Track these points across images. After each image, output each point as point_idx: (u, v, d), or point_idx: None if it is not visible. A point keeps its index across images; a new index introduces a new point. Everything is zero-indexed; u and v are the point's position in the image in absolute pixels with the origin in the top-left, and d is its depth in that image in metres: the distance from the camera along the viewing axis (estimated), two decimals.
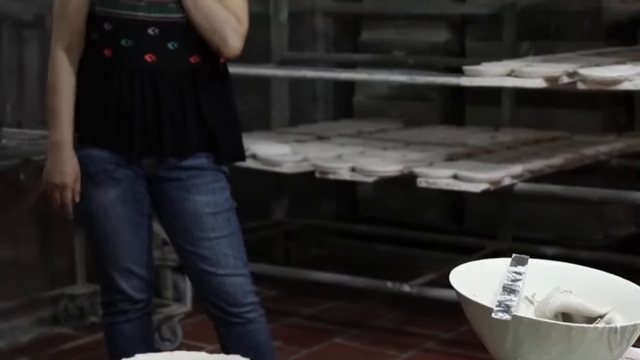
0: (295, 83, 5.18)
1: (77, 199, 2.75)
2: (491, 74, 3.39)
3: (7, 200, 3.91)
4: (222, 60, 2.80)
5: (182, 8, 2.70)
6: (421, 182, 3.67)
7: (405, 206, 5.17)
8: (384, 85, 5.21)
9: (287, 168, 3.98)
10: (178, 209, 2.76)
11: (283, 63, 5.01)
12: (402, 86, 5.07)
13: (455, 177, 3.64)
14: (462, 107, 5.18)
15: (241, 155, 2.86)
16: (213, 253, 2.74)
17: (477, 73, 3.42)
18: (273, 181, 4.92)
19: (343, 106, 5.46)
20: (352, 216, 5.45)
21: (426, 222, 5.18)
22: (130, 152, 2.72)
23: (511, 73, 3.38)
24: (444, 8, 5.17)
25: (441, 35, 5.18)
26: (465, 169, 3.69)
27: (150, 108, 2.68)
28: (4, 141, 3.68)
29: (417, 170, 3.72)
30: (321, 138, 4.52)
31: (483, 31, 5.09)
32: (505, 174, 3.67)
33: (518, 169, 3.76)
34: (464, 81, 3.47)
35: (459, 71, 4.73)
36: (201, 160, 2.76)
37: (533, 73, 3.31)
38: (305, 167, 3.98)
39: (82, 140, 2.76)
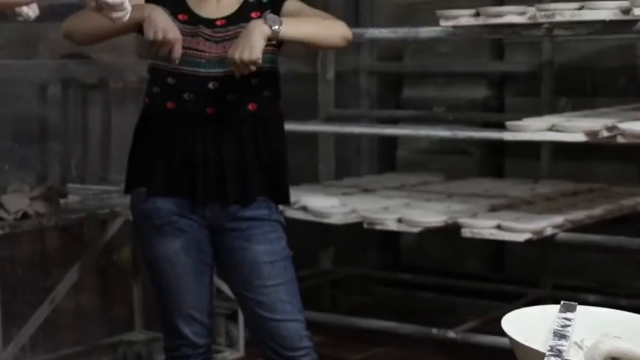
0: (341, 138, 5.24)
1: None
2: (533, 129, 3.42)
3: (71, 252, 3.99)
4: (279, 103, 2.87)
5: None
6: (465, 232, 3.70)
7: (446, 255, 5.18)
8: (426, 140, 5.25)
9: (336, 219, 4.02)
10: (238, 258, 2.81)
11: (330, 119, 5.08)
12: (443, 140, 5.11)
13: (498, 227, 3.66)
14: (501, 160, 5.20)
15: (288, 199, 2.92)
16: (270, 300, 2.78)
17: (520, 128, 3.45)
18: (320, 232, 4.96)
19: (386, 159, 5.50)
20: (395, 265, 5.47)
21: (467, 270, 5.18)
22: (194, 200, 2.78)
23: (552, 128, 3.40)
24: (483, 66, 5.21)
25: (480, 92, 5.22)
26: (507, 219, 3.71)
27: (212, 157, 2.75)
28: (69, 196, 3.75)
29: (461, 221, 3.74)
30: (366, 190, 4.56)
31: (522, 88, 5.11)
32: (547, 224, 3.69)
33: (559, 219, 3.77)
34: (507, 136, 3.50)
35: (498, 126, 4.76)
36: (261, 212, 2.82)
37: (573, 128, 3.34)
38: (353, 218, 4.02)
39: (148, 192, 2.83)
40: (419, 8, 5.33)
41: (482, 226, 3.69)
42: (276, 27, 2.62)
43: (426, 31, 3.99)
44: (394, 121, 5.33)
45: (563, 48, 4.87)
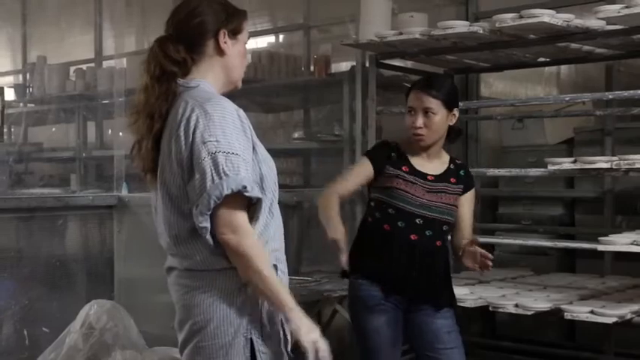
0: None
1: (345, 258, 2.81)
2: (621, 243, 3.52)
3: None
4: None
5: (439, 210, 2.95)
6: (567, 316, 3.76)
7: (531, 327, 5.20)
8: (516, 245, 5.31)
9: (469, 304, 4.11)
10: (425, 328, 2.97)
11: None
12: (528, 245, 5.16)
13: (592, 312, 3.71)
14: (573, 260, 5.23)
15: (455, 301, 3.09)
16: (447, 359, 2.95)
17: (610, 243, 3.56)
18: None
19: None
20: (492, 334, 5.51)
21: (547, 339, 5.18)
22: (398, 294, 2.95)
23: (633, 243, 3.52)
24: (559, 192, 5.30)
25: (557, 210, 5.30)
26: (596, 306, 3.75)
27: (413, 269, 2.94)
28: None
29: (563, 307, 3.81)
30: (481, 282, 4.65)
31: (588, 208, 5.17)
32: (628, 310, 3.73)
33: (635, 307, 3.81)
34: (600, 247, 3.60)
35: (570, 237, 4.85)
36: (442, 301, 3.00)
37: None
38: (481, 303, 4.07)
39: (364, 279, 2.98)
40: (510, 151, 5.52)
41: (580, 312, 3.75)
42: None
43: (533, 171, 4.14)
44: (492, 232, 5.44)
45: (621, 180, 4.95)
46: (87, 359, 3.34)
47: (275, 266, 2.16)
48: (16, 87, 7.28)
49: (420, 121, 2.93)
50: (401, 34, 4.21)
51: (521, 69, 5.15)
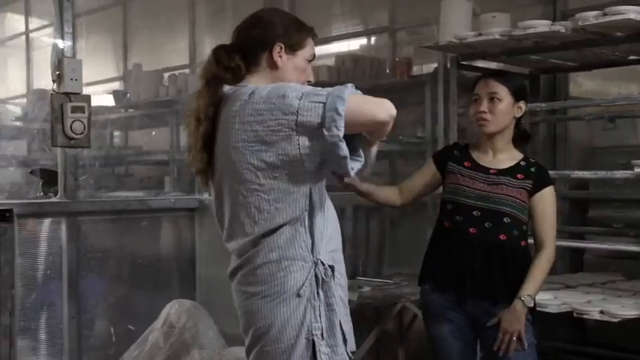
0: None
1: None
2: None
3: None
4: (523, 243, 2.89)
5: (497, 201, 2.83)
6: None
7: (623, 334, 4.96)
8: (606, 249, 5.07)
9: (552, 309, 3.95)
10: (493, 339, 2.84)
11: None
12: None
13: None
14: None
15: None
16: None
17: None
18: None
19: (576, 261, 5.36)
20: (582, 340, 5.28)
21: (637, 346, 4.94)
22: (460, 296, 2.83)
23: None
24: None
25: None
26: None
27: (473, 263, 2.81)
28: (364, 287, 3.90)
29: None
30: (568, 287, 4.47)
31: None
32: None
33: None
34: None
35: None
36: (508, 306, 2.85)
37: None
38: (564, 309, 3.92)
39: (430, 284, 2.90)
40: (600, 152, 5.28)
41: None
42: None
43: (620, 174, 3.93)
44: (581, 235, 5.22)
45: None
46: (167, 357, 3.40)
47: (332, 267, 2.13)
48: (115, 93, 7.54)
49: (484, 105, 2.84)
50: (480, 35, 4.09)
51: (613, 67, 4.91)
